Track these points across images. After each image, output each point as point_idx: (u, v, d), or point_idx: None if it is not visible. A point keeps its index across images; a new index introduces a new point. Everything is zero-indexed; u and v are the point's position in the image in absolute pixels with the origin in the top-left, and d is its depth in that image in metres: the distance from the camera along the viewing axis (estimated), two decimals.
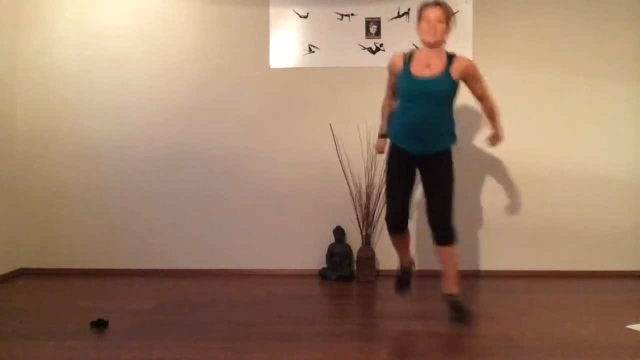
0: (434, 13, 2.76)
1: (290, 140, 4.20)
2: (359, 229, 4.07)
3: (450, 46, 4.09)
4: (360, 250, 4.04)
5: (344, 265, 4.04)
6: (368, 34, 4.13)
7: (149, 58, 4.19)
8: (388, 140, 3.05)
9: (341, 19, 4.13)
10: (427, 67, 2.77)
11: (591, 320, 3.01)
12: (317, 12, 4.14)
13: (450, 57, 2.81)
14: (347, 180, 4.09)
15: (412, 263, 3.23)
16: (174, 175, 4.21)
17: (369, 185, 4.04)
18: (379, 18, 4.12)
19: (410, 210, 3.00)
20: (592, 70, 4.10)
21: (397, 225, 2.97)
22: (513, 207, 4.13)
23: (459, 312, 2.79)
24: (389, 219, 2.98)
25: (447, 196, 2.83)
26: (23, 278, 4.11)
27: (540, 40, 4.11)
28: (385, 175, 3.02)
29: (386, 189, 3.00)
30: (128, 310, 3.22)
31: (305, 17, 4.15)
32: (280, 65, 4.17)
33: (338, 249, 4.05)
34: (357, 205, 4.06)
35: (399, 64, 2.87)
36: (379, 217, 4.08)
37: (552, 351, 2.54)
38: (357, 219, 4.06)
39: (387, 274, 4.10)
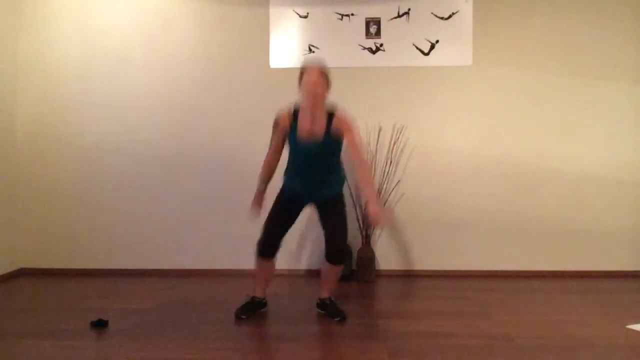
0: (314, 73, 2.93)
1: None
2: (359, 229, 4.07)
3: (450, 46, 4.11)
4: (360, 250, 4.04)
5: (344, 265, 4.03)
6: (368, 34, 4.13)
7: (149, 58, 4.19)
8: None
9: (341, 19, 4.13)
10: (310, 128, 2.96)
11: (591, 320, 3.01)
12: (317, 12, 4.14)
13: (330, 116, 2.98)
14: (347, 180, 4.08)
15: (264, 299, 3.21)
16: (174, 175, 4.21)
17: None
18: (379, 18, 4.12)
19: (283, 241, 3.13)
20: (593, 70, 4.10)
21: (269, 251, 3.10)
22: (512, 207, 4.13)
23: (333, 310, 3.10)
24: (262, 243, 3.08)
25: (342, 227, 3.04)
26: (23, 278, 4.11)
27: (540, 39, 4.11)
28: (272, 206, 3.14)
29: (268, 218, 3.11)
30: (128, 310, 3.22)
31: (305, 17, 4.15)
32: (280, 65, 4.17)
33: None
34: (357, 205, 4.06)
35: (287, 124, 3.03)
36: None
37: (552, 351, 2.54)
38: (357, 219, 4.06)
39: (387, 274, 4.11)
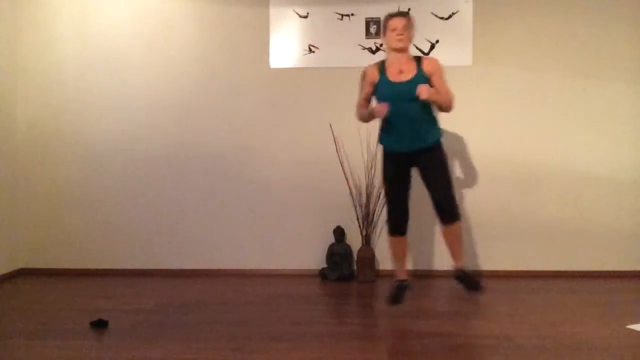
0: (400, 22, 3.01)
1: (290, 140, 4.20)
2: (359, 229, 4.07)
3: (450, 46, 4.12)
4: (360, 250, 4.04)
5: (344, 265, 4.04)
6: (368, 34, 4.13)
7: (148, 58, 4.19)
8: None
9: (341, 19, 4.13)
10: (401, 73, 3.02)
11: (591, 320, 3.01)
12: (317, 12, 4.14)
13: (419, 59, 3.08)
14: (347, 180, 4.09)
15: (407, 281, 3.24)
16: (173, 175, 4.21)
17: (369, 185, 4.04)
18: (379, 18, 4.11)
19: (409, 211, 3.16)
20: (592, 70, 4.10)
21: (399, 225, 3.14)
22: (512, 207, 4.13)
23: (469, 282, 3.08)
24: (390, 219, 3.15)
25: (446, 179, 3.05)
26: (23, 278, 4.11)
27: (540, 40, 4.11)
28: (382, 181, 3.19)
29: (385, 194, 3.18)
30: (128, 310, 3.22)
31: (305, 17, 4.15)
32: (280, 65, 4.17)
33: (338, 249, 4.05)
34: (357, 205, 4.06)
35: (375, 74, 3.09)
36: (379, 217, 4.08)
37: (552, 351, 2.54)
38: (357, 219, 4.06)
39: (387, 274, 4.11)
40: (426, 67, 3.02)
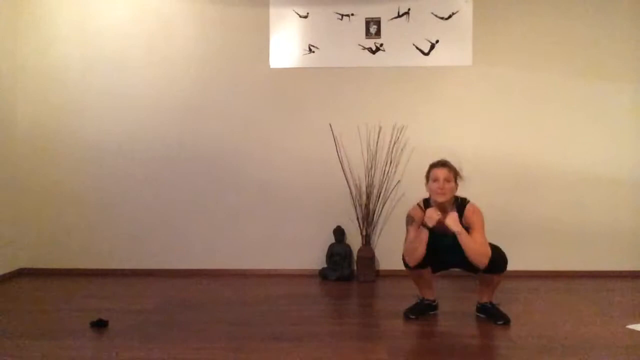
0: (442, 173, 2.93)
1: (290, 140, 4.20)
2: (359, 229, 4.07)
3: (450, 46, 4.11)
4: (360, 250, 4.04)
5: (344, 265, 4.04)
6: (368, 34, 4.13)
7: (148, 58, 4.19)
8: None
9: (341, 19, 4.13)
10: (442, 221, 2.89)
11: (591, 320, 3.01)
12: (317, 12, 4.14)
13: (461, 207, 2.97)
14: (347, 180, 4.10)
15: (434, 302, 3.19)
16: (173, 176, 4.21)
17: (369, 185, 4.05)
18: (379, 18, 4.12)
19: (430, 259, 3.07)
20: (592, 70, 4.11)
21: (414, 265, 3.04)
22: (512, 207, 4.13)
23: (496, 314, 3.01)
24: (405, 259, 3.07)
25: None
26: (23, 278, 4.11)
27: (540, 40, 4.11)
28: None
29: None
30: (128, 310, 3.22)
31: (305, 17, 4.15)
32: (280, 65, 4.17)
33: (338, 249, 4.05)
34: (357, 205, 4.06)
35: (421, 217, 2.97)
36: (379, 217, 4.08)
37: (552, 351, 2.54)
38: (357, 219, 4.06)
39: (387, 274, 4.11)
40: (466, 218, 2.93)
